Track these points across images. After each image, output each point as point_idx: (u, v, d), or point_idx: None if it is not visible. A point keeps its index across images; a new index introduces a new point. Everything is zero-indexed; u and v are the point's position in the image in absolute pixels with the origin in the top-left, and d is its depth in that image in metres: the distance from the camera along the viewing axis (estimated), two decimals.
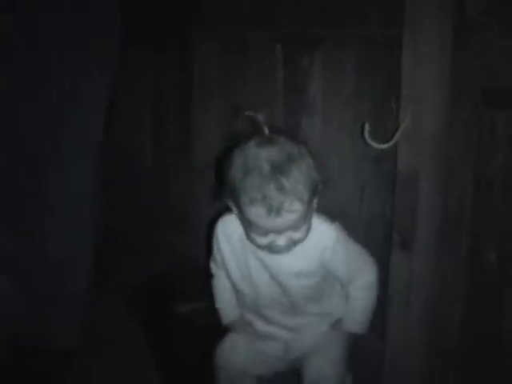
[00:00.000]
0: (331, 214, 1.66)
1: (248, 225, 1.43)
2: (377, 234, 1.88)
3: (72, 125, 2.05)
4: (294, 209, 1.35)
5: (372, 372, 1.94)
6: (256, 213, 1.36)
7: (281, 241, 1.42)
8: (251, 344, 1.73)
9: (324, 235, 1.54)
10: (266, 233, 1.41)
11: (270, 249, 1.46)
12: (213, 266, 1.74)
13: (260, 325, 1.72)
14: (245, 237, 1.53)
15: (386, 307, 1.84)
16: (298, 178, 1.35)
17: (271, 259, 1.53)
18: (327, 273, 1.59)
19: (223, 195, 1.48)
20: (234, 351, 1.73)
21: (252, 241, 1.47)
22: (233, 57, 2.36)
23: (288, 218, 1.36)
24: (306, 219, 1.42)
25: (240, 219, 1.48)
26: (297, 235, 1.44)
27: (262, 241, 1.44)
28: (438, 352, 1.83)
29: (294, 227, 1.41)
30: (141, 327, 2.32)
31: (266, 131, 1.46)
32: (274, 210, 1.33)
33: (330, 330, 1.70)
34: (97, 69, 2.05)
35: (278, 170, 1.34)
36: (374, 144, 1.67)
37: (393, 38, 1.76)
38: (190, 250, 2.52)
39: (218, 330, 1.79)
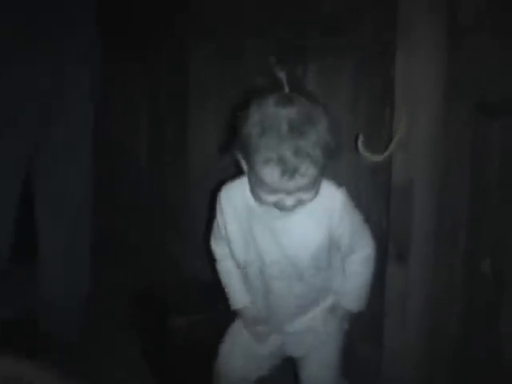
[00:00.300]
0: None
1: (258, 182, 1.39)
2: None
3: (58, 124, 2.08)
4: (308, 173, 1.33)
5: (369, 381, 1.93)
6: (269, 173, 1.32)
7: (289, 201, 1.39)
8: (249, 348, 1.72)
9: (332, 198, 1.51)
10: (275, 192, 1.38)
11: (277, 206, 1.43)
12: (215, 245, 1.69)
13: (265, 309, 1.67)
14: (250, 202, 1.51)
15: (383, 318, 1.83)
16: (316, 142, 1.31)
17: (278, 224, 1.50)
18: (331, 240, 1.55)
19: (234, 148, 1.43)
20: (232, 358, 1.72)
21: (259, 198, 1.44)
22: (228, 60, 2.34)
23: (301, 181, 1.33)
24: (317, 182, 1.40)
25: (249, 175, 1.45)
26: (306, 196, 1.40)
27: (270, 199, 1.40)
28: (435, 362, 1.81)
29: (305, 189, 1.38)
30: (138, 335, 2.32)
31: (287, 89, 1.39)
32: (289, 173, 1.30)
33: (325, 329, 1.68)
34: (79, 73, 2.08)
35: (297, 131, 1.30)
36: (368, 155, 1.65)
37: (387, 47, 1.75)
38: (186, 258, 2.52)
39: (216, 342, 1.77)
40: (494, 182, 1.67)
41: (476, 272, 1.73)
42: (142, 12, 2.79)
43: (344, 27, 1.87)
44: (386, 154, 1.67)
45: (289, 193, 1.37)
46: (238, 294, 1.68)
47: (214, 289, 1.79)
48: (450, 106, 1.69)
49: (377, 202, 1.76)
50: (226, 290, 1.70)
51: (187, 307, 2.13)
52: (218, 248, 1.68)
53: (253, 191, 1.46)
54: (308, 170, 1.32)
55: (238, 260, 1.60)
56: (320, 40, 1.95)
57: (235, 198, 1.55)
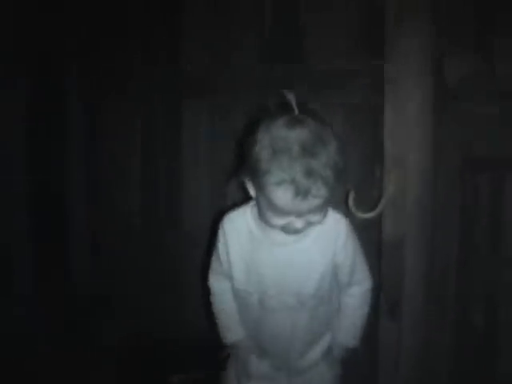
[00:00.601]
0: None
1: (268, 206, 1.37)
2: None
3: None
4: (320, 194, 1.30)
5: None
6: (282, 195, 1.30)
7: (298, 223, 1.37)
8: None
9: (337, 225, 1.51)
10: (285, 214, 1.36)
11: (286, 230, 1.41)
12: (213, 280, 1.66)
13: (261, 347, 1.64)
14: (254, 231, 1.51)
15: (376, 373, 1.84)
16: (326, 163, 1.30)
17: (282, 252, 1.49)
18: (334, 269, 1.53)
19: (242, 173, 1.41)
20: None
21: (267, 222, 1.41)
22: (220, 114, 2.38)
23: (312, 202, 1.31)
24: (326, 204, 1.37)
25: (258, 200, 1.42)
26: (314, 218, 1.38)
27: (280, 222, 1.38)
28: None
29: (315, 211, 1.36)
30: None
31: (296, 111, 1.38)
32: (301, 194, 1.28)
33: (326, 366, 1.65)
34: None
35: (308, 152, 1.29)
36: (359, 213, 1.68)
37: (377, 106, 1.79)
38: (183, 315, 2.51)
39: None
40: (483, 237, 1.71)
41: (467, 325, 1.75)
42: (135, 67, 2.81)
43: (332, 88, 1.91)
44: (377, 211, 1.70)
45: (299, 215, 1.36)
46: (232, 327, 1.65)
47: (213, 346, 1.77)
48: (438, 163, 1.73)
49: (368, 257, 1.77)
50: (220, 323, 1.67)
51: (185, 365, 2.12)
52: (216, 282, 1.65)
53: (261, 215, 1.44)
54: (320, 191, 1.30)
55: (238, 290, 1.57)
56: (308, 98, 1.99)
57: (239, 225, 1.54)
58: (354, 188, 1.79)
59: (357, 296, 1.60)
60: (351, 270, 1.55)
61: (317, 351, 1.62)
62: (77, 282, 2.99)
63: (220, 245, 1.58)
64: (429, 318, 1.79)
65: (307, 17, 2.05)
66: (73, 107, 3.01)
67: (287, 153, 1.28)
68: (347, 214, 1.68)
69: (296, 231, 1.40)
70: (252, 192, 1.43)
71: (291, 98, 1.39)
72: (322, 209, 1.37)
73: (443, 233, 1.76)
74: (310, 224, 1.39)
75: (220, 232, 1.57)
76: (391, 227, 1.76)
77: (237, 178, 1.44)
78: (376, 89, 1.78)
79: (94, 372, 2.43)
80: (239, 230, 1.54)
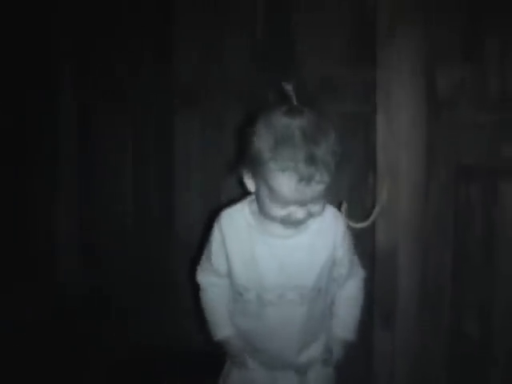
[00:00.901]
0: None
1: (270, 195, 1.38)
2: None
3: None
4: (322, 179, 1.33)
5: None
6: (286, 182, 1.32)
7: (300, 213, 1.39)
8: None
9: (336, 219, 1.54)
10: (288, 204, 1.38)
11: (287, 221, 1.42)
12: (202, 276, 1.65)
13: (258, 346, 1.62)
14: (253, 226, 1.51)
15: (371, 382, 1.83)
16: (328, 149, 1.33)
17: (283, 245, 1.49)
18: (333, 262, 1.55)
19: (242, 165, 1.43)
20: None
21: (267, 213, 1.43)
22: (212, 131, 2.38)
23: (315, 188, 1.34)
24: (325, 193, 1.40)
25: (258, 191, 1.43)
26: (315, 208, 1.41)
27: (280, 212, 1.40)
28: None
29: (317, 199, 1.38)
30: None
31: (295, 101, 1.42)
32: (305, 180, 1.31)
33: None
34: None
35: (310, 139, 1.32)
36: (352, 223, 1.68)
37: (368, 114, 1.79)
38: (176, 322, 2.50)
39: None
40: (477, 244, 1.71)
41: (461, 334, 1.75)
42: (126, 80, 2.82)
43: (324, 96, 1.91)
44: (370, 220, 1.70)
45: (301, 204, 1.38)
46: (222, 322, 1.63)
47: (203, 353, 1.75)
48: (431, 172, 1.73)
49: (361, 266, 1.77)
50: (209, 319, 1.65)
51: (176, 373, 2.11)
52: (204, 278, 1.65)
53: (261, 208, 1.45)
54: (323, 177, 1.33)
55: (236, 285, 1.56)
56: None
57: (237, 221, 1.54)
58: (347, 196, 1.79)
59: (354, 287, 1.61)
60: (350, 263, 1.57)
61: (313, 350, 1.61)
62: (66, 282, 2.99)
63: (215, 241, 1.58)
64: (423, 327, 1.79)
65: (299, 25, 2.05)
66: (66, 109, 3.03)
67: (290, 140, 1.31)
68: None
69: (296, 223, 1.42)
70: (251, 185, 1.45)
71: (289, 89, 1.43)
72: (322, 198, 1.39)
73: (436, 242, 1.76)
74: (310, 215, 1.41)
75: (216, 228, 1.57)
76: (384, 236, 1.75)
77: (236, 172, 1.46)
78: (368, 97, 1.78)
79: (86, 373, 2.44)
80: (237, 225, 1.54)
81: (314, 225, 1.48)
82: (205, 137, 2.40)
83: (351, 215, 1.68)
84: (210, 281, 1.63)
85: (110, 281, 2.93)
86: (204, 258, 1.63)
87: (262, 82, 2.07)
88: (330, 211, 1.53)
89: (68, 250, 3.06)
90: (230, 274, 1.57)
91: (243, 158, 1.42)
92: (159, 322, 2.59)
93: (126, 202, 2.89)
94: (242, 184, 1.48)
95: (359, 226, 1.70)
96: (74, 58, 2.99)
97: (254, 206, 1.50)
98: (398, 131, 1.70)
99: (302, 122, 1.34)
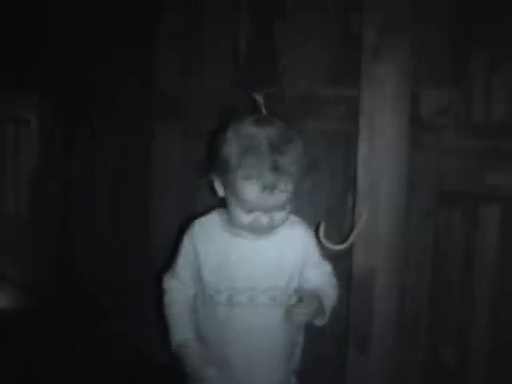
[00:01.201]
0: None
1: (236, 201, 1.44)
2: (332, 333, 1.83)
3: None
4: (286, 189, 1.39)
5: None
6: (250, 189, 1.38)
7: (264, 219, 1.44)
8: None
9: (302, 225, 1.59)
10: (252, 210, 1.43)
11: (252, 227, 1.47)
12: (168, 282, 1.66)
13: (225, 356, 1.58)
14: (224, 230, 1.55)
15: None
16: (293, 159, 1.38)
17: (254, 244, 1.53)
18: (304, 260, 1.57)
19: (212, 171, 1.49)
20: None
21: (235, 219, 1.48)
22: (190, 139, 2.35)
23: (279, 197, 1.39)
24: (290, 202, 1.46)
25: (227, 197, 1.48)
26: (278, 216, 1.46)
27: (246, 219, 1.45)
28: None
29: (280, 207, 1.44)
30: None
31: (264, 111, 1.48)
32: (268, 188, 1.37)
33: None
34: None
35: (276, 149, 1.37)
36: (329, 245, 1.64)
37: (350, 134, 1.76)
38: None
39: None
40: (457, 270, 1.68)
41: (438, 363, 1.71)
42: (108, 87, 2.79)
43: (306, 115, 1.87)
44: (348, 243, 1.65)
45: (265, 211, 1.43)
46: (181, 325, 1.61)
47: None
48: (412, 196, 1.70)
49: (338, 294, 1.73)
50: (171, 322, 1.63)
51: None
52: (169, 283, 1.65)
53: (230, 214, 1.50)
54: (286, 186, 1.38)
55: (208, 288, 1.56)
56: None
57: (209, 228, 1.58)
58: (325, 217, 1.76)
59: (330, 274, 1.62)
60: (318, 259, 1.60)
61: (282, 370, 1.60)
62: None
63: (183, 252, 1.61)
64: (399, 354, 1.75)
65: (283, 39, 2.02)
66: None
67: (255, 149, 1.37)
68: (317, 245, 1.65)
69: (262, 229, 1.48)
70: (220, 191, 1.51)
71: (259, 99, 1.50)
72: (285, 206, 1.45)
73: (415, 267, 1.72)
74: (274, 222, 1.46)
75: (186, 238, 1.61)
76: (362, 259, 1.71)
77: (207, 177, 1.52)
78: (350, 117, 1.75)
79: None
80: (209, 231, 1.58)
81: (284, 231, 1.53)
82: (184, 148, 2.36)
83: (328, 236, 1.64)
84: (174, 285, 1.64)
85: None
86: (175, 264, 1.64)
87: (244, 95, 2.04)
88: (301, 226, 1.58)
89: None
90: (201, 280, 1.57)
91: (214, 163, 1.47)
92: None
93: (102, 213, 2.87)
94: (212, 189, 1.53)
95: (337, 247, 1.66)
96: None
97: (225, 215, 1.55)
98: (380, 153, 1.67)
99: (269, 132, 1.40)
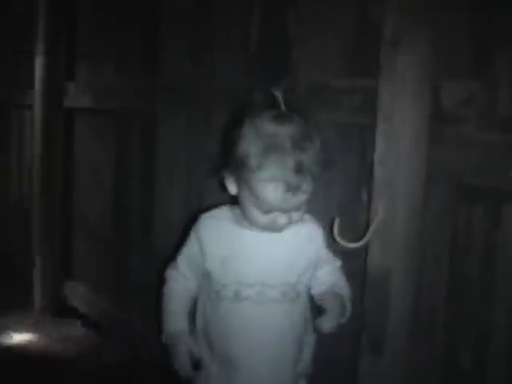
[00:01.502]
0: None
1: (254, 202, 1.38)
2: (345, 334, 1.76)
3: None
4: (308, 189, 1.35)
5: None
6: (272, 191, 1.33)
7: (282, 220, 1.40)
8: None
9: (314, 222, 1.57)
10: (270, 211, 1.39)
11: (269, 226, 1.43)
12: (171, 269, 1.62)
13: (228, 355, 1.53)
14: (235, 222, 1.50)
15: None
16: (315, 158, 1.34)
17: (267, 244, 1.49)
18: (317, 258, 1.55)
19: (225, 170, 1.43)
20: None
21: (250, 219, 1.43)
22: (196, 131, 2.28)
23: (301, 197, 1.36)
24: (308, 200, 1.42)
25: (242, 196, 1.43)
26: (296, 215, 1.42)
27: (264, 219, 1.41)
28: None
29: (299, 207, 1.40)
30: None
31: (283, 107, 1.41)
32: (292, 189, 1.32)
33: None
34: None
35: (299, 148, 1.32)
36: (344, 243, 1.58)
37: (366, 127, 1.69)
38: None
39: None
40: (476, 269, 1.61)
41: (454, 366, 1.65)
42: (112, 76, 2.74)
43: (321, 106, 1.81)
44: (364, 241, 1.59)
45: (285, 211, 1.39)
46: (177, 317, 1.57)
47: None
48: (431, 192, 1.63)
49: (351, 289, 1.66)
50: (165, 312, 1.59)
51: None
52: (171, 273, 1.61)
53: (245, 213, 1.44)
54: (309, 187, 1.35)
55: (214, 284, 1.51)
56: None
57: (219, 222, 1.53)
58: (339, 213, 1.70)
59: (339, 271, 1.61)
60: (327, 256, 1.59)
61: (288, 371, 1.55)
62: None
63: (188, 247, 1.57)
64: (413, 355, 1.68)
65: (297, 28, 1.95)
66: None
67: (278, 149, 1.31)
68: (332, 242, 1.59)
69: (279, 229, 1.43)
70: (233, 189, 1.45)
71: (278, 94, 1.43)
72: (303, 205, 1.42)
73: (432, 266, 1.65)
74: (291, 221, 1.42)
75: (193, 234, 1.55)
76: (377, 258, 1.64)
77: (218, 174, 1.46)
78: (367, 109, 1.68)
79: None
80: (217, 225, 1.53)
81: (295, 227, 1.48)
82: (190, 140, 2.30)
83: (343, 232, 1.58)
84: (174, 276, 1.60)
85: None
86: (179, 259, 1.60)
87: (254, 86, 1.98)
88: (312, 222, 1.55)
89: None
90: (208, 275, 1.52)
91: (227, 161, 1.40)
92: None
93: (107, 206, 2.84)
94: (223, 186, 1.47)
95: (352, 246, 1.59)
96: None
97: (235, 210, 1.51)
98: (398, 147, 1.60)
99: (291, 130, 1.34)
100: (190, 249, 1.57)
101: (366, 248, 1.65)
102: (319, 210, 1.64)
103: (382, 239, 1.63)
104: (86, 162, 3.02)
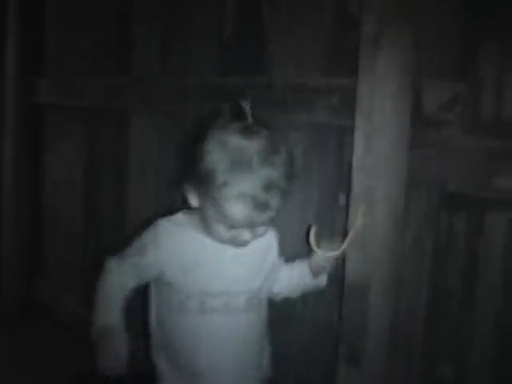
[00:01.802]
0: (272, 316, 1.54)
1: (218, 217, 1.33)
2: (322, 344, 1.70)
3: None
4: (276, 205, 1.32)
5: None
6: (240, 208, 1.29)
7: (246, 236, 1.36)
8: None
9: (274, 237, 1.56)
10: (235, 227, 1.34)
11: (233, 242, 1.39)
12: (112, 261, 1.52)
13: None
14: (196, 233, 1.44)
15: None
16: (283, 173, 1.31)
17: (230, 253, 1.44)
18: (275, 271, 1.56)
19: (188, 182, 1.37)
20: None
21: (213, 233, 1.39)
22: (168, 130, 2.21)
23: (269, 214, 1.32)
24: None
25: (206, 210, 1.36)
26: (261, 230, 1.39)
27: (227, 235, 1.36)
28: None
29: (266, 222, 1.37)
30: None
31: (250, 119, 1.36)
32: (260, 207, 1.28)
33: None
34: None
35: (267, 163, 1.28)
36: (321, 252, 1.50)
37: (344, 129, 1.62)
38: None
39: None
40: (457, 283, 1.55)
41: (434, 379, 1.59)
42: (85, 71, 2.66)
43: (296, 105, 1.72)
44: (341, 249, 1.51)
45: (250, 227, 1.34)
46: (109, 310, 1.46)
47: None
48: (412, 198, 1.56)
49: (329, 299, 1.60)
50: (97, 303, 1.48)
51: None
52: (112, 264, 1.52)
53: (206, 226, 1.39)
54: (277, 203, 1.31)
55: (180, 293, 1.45)
56: (269, 114, 1.82)
57: (178, 232, 1.46)
58: (316, 218, 1.63)
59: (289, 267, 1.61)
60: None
61: (252, 378, 1.54)
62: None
63: (143, 246, 1.47)
64: (393, 369, 1.62)
65: (273, 23, 1.86)
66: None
67: (246, 164, 1.26)
68: (308, 251, 1.52)
69: (242, 244, 1.39)
70: (194, 202, 1.39)
71: (245, 105, 1.36)
72: (269, 221, 1.37)
73: (413, 277, 1.59)
74: (255, 236, 1.39)
75: (151, 238, 1.46)
76: (355, 268, 1.57)
77: (179, 186, 1.39)
78: (345, 110, 1.60)
79: None
80: (178, 234, 1.45)
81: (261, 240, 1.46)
82: (161, 138, 2.23)
83: (319, 240, 1.51)
84: (113, 268, 1.51)
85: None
86: (128, 254, 1.50)
87: (228, 84, 1.89)
88: (271, 230, 1.51)
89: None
90: (169, 285, 1.46)
91: (190, 174, 1.33)
92: None
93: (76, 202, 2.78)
94: (183, 198, 1.40)
95: (329, 255, 1.52)
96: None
97: (195, 214, 1.44)
98: (378, 150, 1.52)
99: (258, 145, 1.29)
100: (142, 257, 1.47)
101: (343, 256, 1.57)
102: (294, 212, 1.56)
103: (360, 246, 1.55)
104: (57, 160, 2.94)
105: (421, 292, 1.59)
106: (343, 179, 1.65)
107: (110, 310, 1.46)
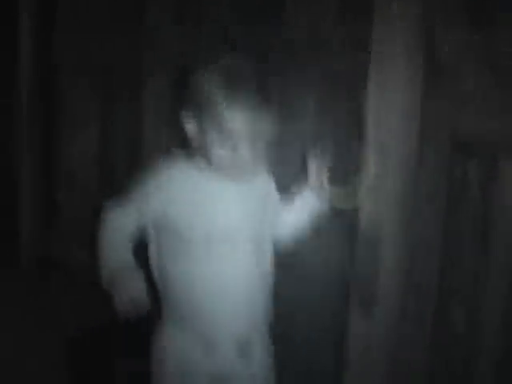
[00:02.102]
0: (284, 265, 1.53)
1: (218, 134, 1.36)
2: (334, 292, 1.72)
3: None
4: (271, 113, 1.36)
5: None
6: (239, 112, 1.33)
7: (246, 152, 1.36)
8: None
9: (271, 179, 1.57)
10: (235, 144, 1.35)
11: (234, 165, 1.39)
12: (113, 208, 1.50)
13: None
14: (197, 173, 1.45)
15: (342, 373, 1.69)
16: (273, 87, 1.40)
17: (237, 187, 1.45)
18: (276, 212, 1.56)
19: (183, 110, 1.42)
20: None
21: (214, 158, 1.39)
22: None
23: (265, 124, 1.36)
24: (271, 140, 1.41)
25: (205, 134, 1.39)
26: (260, 152, 1.39)
27: (228, 155, 1.37)
28: None
29: (264, 137, 1.38)
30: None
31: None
32: (257, 107, 1.33)
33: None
34: None
35: (259, 72, 1.40)
36: (336, 202, 1.50)
37: (358, 76, 1.60)
38: None
39: None
40: (471, 229, 1.55)
41: (447, 325, 1.60)
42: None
43: (310, 53, 1.72)
44: (356, 201, 1.52)
45: (250, 138, 1.35)
46: (119, 252, 1.44)
47: None
48: (425, 145, 1.56)
49: (341, 245, 1.61)
50: (105, 251, 1.45)
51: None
52: (113, 212, 1.49)
53: (207, 153, 1.41)
54: (271, 110, 1.36)
55: (183, 238, 1.44)
56: (284, 61, 1.81)
57: (180, 171, 1.47)
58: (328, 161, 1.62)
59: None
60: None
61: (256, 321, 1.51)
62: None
63: (149, 193, 1.46)
64: (405, 315, 1.64)
65: None
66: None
67: (239, 75, 1.37)
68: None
69: (243, 165, 1.39)
70: (192, 131, 1.42)
71: None
72: (267, 141, 1.39)
73: (426, 224, 1.59)
74: (255, 157, 1.38)
75: (152, 180, 1.46)
76: (368, 217, 1.58)
77: (176, 119, 1.44)
78: (359, 56, 1.59)
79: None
80: (179, 173, 1.47)
81: (253, 178, 1.47)
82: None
83: (334, 181, 1.50)
84: (117, 215, 1.49)
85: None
86: (128, 197, 1.49)
87: (245, 33, 1.89)
88: (267, 173, 1.55)
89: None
90: (171, 231, 1.46)
91: (185, 101, 1.41)
92: None
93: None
94: (182, 132, 1.44)
95: (344, 207, 1.53)
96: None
97: (192, 158, 1.46)
98: (391, 97, 1.52)
99: (248, 62, 1.41)
100: (145, 202, 1.46)
101: (356, 205, 1.58)
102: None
103: (372, 197, 1.56)
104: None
105: (435, 238, 1.59)
106: (356, 126, 1.64)
107: (117, 252, 1.44)
